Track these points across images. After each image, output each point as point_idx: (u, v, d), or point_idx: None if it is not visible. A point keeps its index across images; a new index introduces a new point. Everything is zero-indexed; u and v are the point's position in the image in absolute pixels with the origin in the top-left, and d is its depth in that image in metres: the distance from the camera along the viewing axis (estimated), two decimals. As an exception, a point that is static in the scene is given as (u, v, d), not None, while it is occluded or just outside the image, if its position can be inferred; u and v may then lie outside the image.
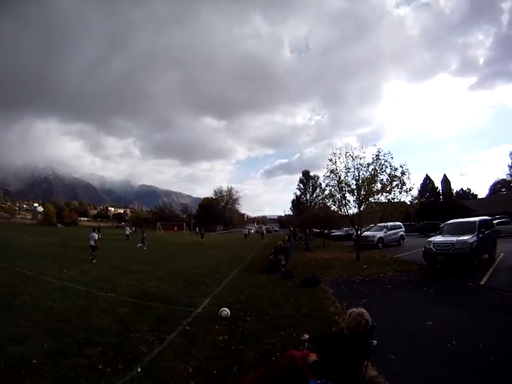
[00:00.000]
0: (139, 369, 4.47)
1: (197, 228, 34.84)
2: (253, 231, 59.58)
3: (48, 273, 11.99)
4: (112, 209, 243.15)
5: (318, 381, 3.38)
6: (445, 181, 74.94)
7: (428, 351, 5.18)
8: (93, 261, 15.93)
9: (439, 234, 14.14)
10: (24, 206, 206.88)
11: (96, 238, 17.42)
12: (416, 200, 18.97)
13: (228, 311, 7.05)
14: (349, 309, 3.80)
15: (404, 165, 15.61)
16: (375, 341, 3.60)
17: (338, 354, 3.50)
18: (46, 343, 5.30)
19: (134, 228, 42.79)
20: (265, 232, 54.53)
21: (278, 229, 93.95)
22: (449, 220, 15.22)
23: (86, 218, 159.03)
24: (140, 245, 26.56)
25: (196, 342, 5.56)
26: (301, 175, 72.23)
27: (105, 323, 6.56)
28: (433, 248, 12.69)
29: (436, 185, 74.14)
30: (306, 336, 4.17)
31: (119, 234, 45.71)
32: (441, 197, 72.73)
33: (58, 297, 8.55)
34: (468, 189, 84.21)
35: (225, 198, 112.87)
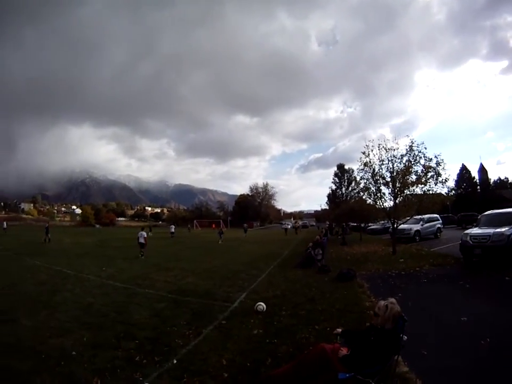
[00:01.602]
0: (175, 361, 4.62)
1: (220, 229, 35.37)
2: (289, 226, 59.59)
3: (87, 271, 12.66)
4: (149, 209, 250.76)
5: (347, 375, 3.36)
6: (482, 170, 72.53)
7: (461, 348, 5.03)
8: (142, 257, 17.53)
9: (476, 226, 13.61)
10: (63, 209, 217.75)
11: (145, 236, 19.18)
12: (453, 191, 18.50)
13: (264, 305, 7.11)
14: (379, 301, 3.80)
15: (438, 155, 15.51)
16: (405, 336, 3.54)
17: (369, 347, 3.48)
18: (85, 336, 5.61)
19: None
20: (300, 227, 54.67)
21: (314, 223, 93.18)
22: (486, 211, 14.55)
23: (123, 219, 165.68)
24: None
25: (231, 336, 5.67)
26: (335, 168, 71.74)
27: (143, 318, 6.82)
28: (469, 241, 12.26)
29: (473, 175, 71.75)
30: (339, 330, 4.16)
31: (164, 232, 47.41)
32: (478, 187, 70.26)
33: (97, 294, 9.01)
34: (505, 178, 79.48)
35: (261, 194, 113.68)
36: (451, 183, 17.75)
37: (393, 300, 3.71)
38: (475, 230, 12.83)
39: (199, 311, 7.26)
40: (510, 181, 77.85)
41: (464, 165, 71.62)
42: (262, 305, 7.10)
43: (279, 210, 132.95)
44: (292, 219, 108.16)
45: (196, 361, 4.66)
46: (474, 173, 72.30)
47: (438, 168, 15.29)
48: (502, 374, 4.24)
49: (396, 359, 3.62)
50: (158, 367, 4.46)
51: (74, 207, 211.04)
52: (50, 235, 27.36)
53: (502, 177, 79.59)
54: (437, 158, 15.42)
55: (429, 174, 15.42)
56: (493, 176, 77.50)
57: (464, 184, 68.72)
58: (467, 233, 12.72)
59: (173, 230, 41.56)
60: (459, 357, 4.72)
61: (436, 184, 15.51)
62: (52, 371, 4.34)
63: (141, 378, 4.17)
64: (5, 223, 47.54)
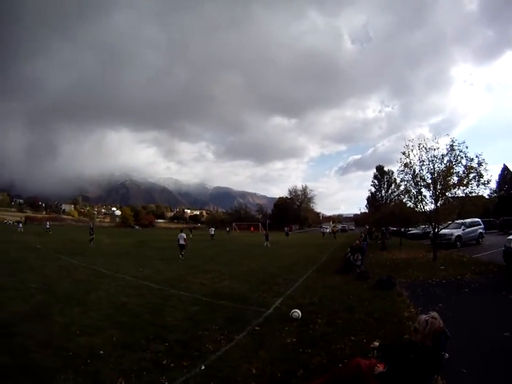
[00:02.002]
0: (203, 367, 4.53)
1: (266, 232, 35.79)
2: (328, 230, 59.14)
3: (123, 271, 12.95)
4: (189, 211, 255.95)
5: None
6: None
7: (504, 367, 4.65)
8: (182, 258, 18.10)
9: None
10: (103, 210, 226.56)
11: (185, 237, 19.65)
12: (495, 194, 17.53)
13: (299, 312, 6.96)
14: (420, 316, 3.57)
15: (479, 154, 14.64)
16: (447, 354, 3.30)
17: (408, 364, 3.25)
18: (115, 336, 5.66)
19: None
20: (337, 231, 55.75)
21: (353, 227, 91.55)
22: None
23: (162, 220, 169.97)
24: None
25: (263, 343, 5.54)
26: (375, 170, 70.19)
27: (175, 320, 6.82)
28: None
29: None
30: (377, 344, 3.90)
31: (204, 234, 48.04)
32: None
33: (132, 294, 9.15)
34: None
35: (300, 197, 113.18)
36: (492, 185, 16.87)
37: (434, 314, 3.47)
38: None
39: (232, 316, 7.17)
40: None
41: (506, 166, 67.35)
42: (297, 312, 6.96)
43: (318, 214, 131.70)
44: (331, 222, 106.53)
45: (224, 368, 4.56)
46: None
47: (479, 169, 14.53)
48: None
49: (435, 378, 3.38)
50: (185, 372, 4.39)
51: (114, 208, 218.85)
52: (95, 236, 28.01)
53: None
54: (478, 157, 14.64)
55: (471, 175, 14.70)
56: None
57: (506, 186, 64.90)
58: (510, 239, 12.08)
59: (212, 232, 42.02)
60: (501, 377, 4.40)
61: (478, 186, 14.79)
62: (77, 369, 4.38)
63: (166, 383, 4.11)
64: (47, 223, 50.00)
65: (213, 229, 44.19)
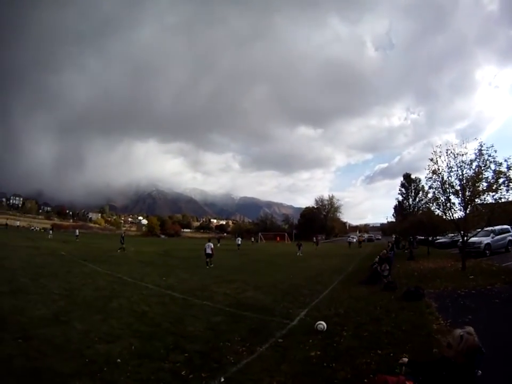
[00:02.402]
0: (222, 379, 4.45)
1: (299, 241, 36.22)
2: (355, 240, 58.77)
3: (147, 280, 13.03)
4: (215, 221, 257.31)
5: None
6: None
7: None
8: (211, 266, 18.90)
9: None
10: (129, 219, 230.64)
11: (212, 247, 19.91)
12: None
13: (324, 324, 6.82)
14: (455, 330, 3.32)
15: (508, 158, 14.17)
16: (480, 371, 3.11)
17: (439, 382, 3.08)
18: (134, 345, 5.65)
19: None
20: (363, 241, 56.46)
21: (380, 237, 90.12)
22: None
23: (188, 230, 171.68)
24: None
25: (286, 356, 5.42)
26: (402, 178, 69.42)
27: (196, 330, 6.78)
28: None
29: None
30: (405, 360, 3.71)
31: (231, 244, 48.84)
32: None
33: (154, 303, 9.18)
34: None
35: (327, 206, 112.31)
36: None
37: (470, 329, 3.24)
38: None
39: (255, 327, 7.09)
40: None
41: None
42: (322, 324, 6.84)
43: (344, 223, 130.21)
44: (357, 232, 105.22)
45: (244, 381, 4.48)
46: None
47: (509, 173, 14.14)
48: None
49: None
50: (203, 384, 4.29)
51: (140, 217, 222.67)
52: (125, 245, 28.07)
53: None
54: (507, 161, 14.21)
55: (500, 180, 14.28)
56: None
57: None
58: None
59: (239, 242, 43.16)
60: None
61: (507, 191, 14.35)
62: (93, 376, 4.39)
63: (183, 394, 4.01)
64: (77, 230, 51.26)
65: (240, 239, 45.42)
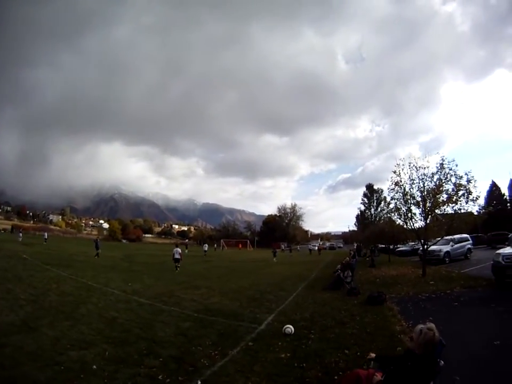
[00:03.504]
0: (199, 382, 4.48)
1: (274, 248, 37.76)
2: (316, 247, 60.11)
3: (113, 285, 12.75)
4: (176, 226, 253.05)
5: None
6: None
7: (495, 373, 4.84)
8: (177, 270, 19.70)
9: (508, 245, 13.19)
10: (91, 222, 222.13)
11: (180, 252, 21.17)
12: (484, 210, 18.03)
13: (292, 328, 6.97)
14: (417, 325, 3.60)
15: (469, 172, 15.04)
16: (442, 361, 3.39)
17: (406, 373, 3.31)
18: (107, 350, 5.56)
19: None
20: (322, 249, 59.62)
21: (342, 245, 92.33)
22: None
23: (150, 235, 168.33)
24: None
25: (258, 358, 5.51)
26: (364, 189, 71.47)
27: (167, 336, 6.73)
28: (502, 261, 11.73)
29: (503, 192, 68.41)
30: (373, 355, 3.97)
31: (197, 250, 49.48)
32: (508, 204, 66.97)
33: (122, 309, 9.00)
34: None
35: (289, 214, 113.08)
36: (482, 201, 17.32)
37: (431, 325, 3.50)
38: (507, 250, 12.36)
39: (225, 332, 7.12)
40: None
41: (494, 182, 68.49)
42: (290, 328, 6.98)
43: (306, 232, 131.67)
44: (319, 240, 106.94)
45: (221, 382, 4.54)
46: (505, 190, 68.96)
47: (469, 186, 14.87)
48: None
49: None
50: (181, 387, 4.32)
51: (102, 221, 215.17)
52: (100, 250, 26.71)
53: (533, 193, 75.68)
54: (467, 175, 15.00)
55: (460, 192, 15.00)
56: None
57: (494, 202, 65.85)
58: (499, 253, 12.22)
59: (206, 248, 44.54)
60: (493, 383, 4.58)
61: (467, 203, 15.09)
62: (70, 383, 4.29)
63: (164, 398, 4.02)
64: (45, 233, 48.83)
65: (206, 245, 46.85)
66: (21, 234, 45.64)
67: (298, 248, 61.62)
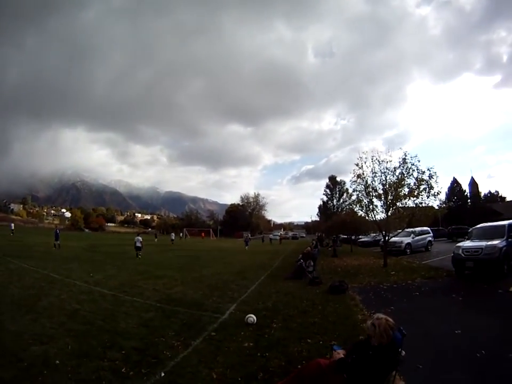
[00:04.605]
0: (163, 374, 4.46)
1: (246, 237, 39.99)
2: (278, 237, 60.76)
3: (74, 276, 12.37)
4: (139, 215, 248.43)
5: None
6: (473, 184, 74.15)
7: (457, 361, 5.03)
8: (138, 257, 20.86)
9: (467, 239, 13.77)
10: (52, 211, 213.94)
11: (141, 240, 22.40)
12: (444, 204, 18.87)
13: (254, 317, 7.00)
14: (366, 323, 3.73)
15: (431, 168, 15.61)
16: (404, 352, 3.49)
17: (367, 362, 3.37)
18: (69, 344, 5.42)
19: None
20: (283, 238, 62.10)
21: (304, 235, 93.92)
22: (477, 224, 14.71)
23: (112, 224, 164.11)
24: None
25: (221, 348, 5.53)
26: (327, 180, 72.35)
27: (130, 327, 6.63)
28: (462, 254, 12.39)
29: (464, 188, 72.66)
30: (335, 343, 4.07)
31: (164, 239, 50.26)
32: (469, 200, 71.37)
33: (84, 300, 8.76)
34: (496, 191, 79.80)
35: (252, 204, 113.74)
36: (443, 196, 17.98)
37: (378, 315, 3.63)
38: (467, 243, 12.92)
39: (187, 322, 7.08)
40: (500, 195, 78.19)
41: (455, 178, 72.40)
42: (252, 317, 6.99)
43: (269, 221, 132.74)
44: (282, 230, 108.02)
45: (184, 374, 4.51)
46: (465, 186, 73.29)
47: (430, 181, 15.38)
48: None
49: (393, 374, 3.52)
50: (145, 380, 4.31)
51: (64, 210, 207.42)
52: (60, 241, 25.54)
53: (492, 191, 79.74)
54: (430, 170, 15.53)
55: (422, 187, 15.49)
56: (483, 190, 78.29)
57: (455, 198, 69.36)
58: (459, 246, 12.81)
59: (173, 237, 46.23)
60: (454, 370, 4.69)
61: (428, 197, 15.61)
62: (34, 380, 4.17)
63: (127, 391, 4.00)
64: (12, 224, 46.55)
65: (173, 234, 48.08)
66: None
67: (263, 239, 61.98)
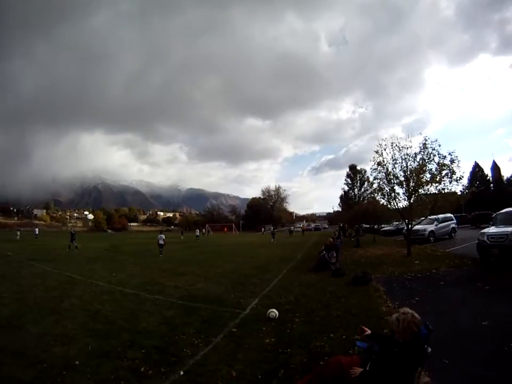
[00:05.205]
0: (181, 373, 4.44)
1: (273, 230, 40.73)
2: (300, 229, 61.05)
3: (97, 277, 12.57)
4: (162, 213, 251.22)
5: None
6: (495, 168, 71.66)
7: (484, 355, 4.79)
8: (161, 255, 20.93)
9: (492, 225, 13.19)
10: (75, 214, 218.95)
11: (164, 238, 22.45)
12: (468, 190, 18.30)
13: (276, 312, 6.93)
14: (392, 316, 3.58)
15: (452, 152, 15.11)
16: (430, 348, 3.31)
17: (392, 360, 3.24)
18: (90, 344, 5.47)
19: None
20: (306, 230, 62.25)
21: (327, 226, 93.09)
22: (501, 209, 14.12)
23: (135, 224, 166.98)
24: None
25: (241, 345, 5.47)
26: (348, 169, 71.30)
27: (151, 325, 6.66)
28: (487, 240, 11.87)
29: (486, 173, 70.75)
30: (369, 332, 3.89)
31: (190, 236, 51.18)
32: (491, 185, 69.16)
33: (106, 300, 8.88)
34: None
35: (273, 197, 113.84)
36: (465, 181, 17.39)
37: (404, 309, 3.46)
38: (492, 229, 12.45)
39: (209, 319, 7.06)
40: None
41: (477, 163, 70.53)
42: (274, 312, 6.92)
43: (291, 213, 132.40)
44: (304, 221, 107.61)
45: (204, 372, 4.48)
46: (487, 171, 71.42)
47: (452, 166, 14.94)
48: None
49: (419, 371, 3.39)
50: (164, 379, 4.30)
51: (86, 212, 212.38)
52: (77, 242, 25.72)
53: (515, 175, 77.50)
54: (451, 155, 15.05)
55: (443, 172, 15.08)
56: (505, 174, 74.61)
57: (477, 182, 67.29)
58: (484, 233, 12.35)
59: (198, 233, 47.75)
60: (482, 365, 4.49)
61: (450, 183, 15.21)
62: (53, 381, 4.22)
63: (145, 391, 3.99)
64: (36, 229, 48.22)
65: (198, 231, 49.94)
66: (18, 232, 44.99)
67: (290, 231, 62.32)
